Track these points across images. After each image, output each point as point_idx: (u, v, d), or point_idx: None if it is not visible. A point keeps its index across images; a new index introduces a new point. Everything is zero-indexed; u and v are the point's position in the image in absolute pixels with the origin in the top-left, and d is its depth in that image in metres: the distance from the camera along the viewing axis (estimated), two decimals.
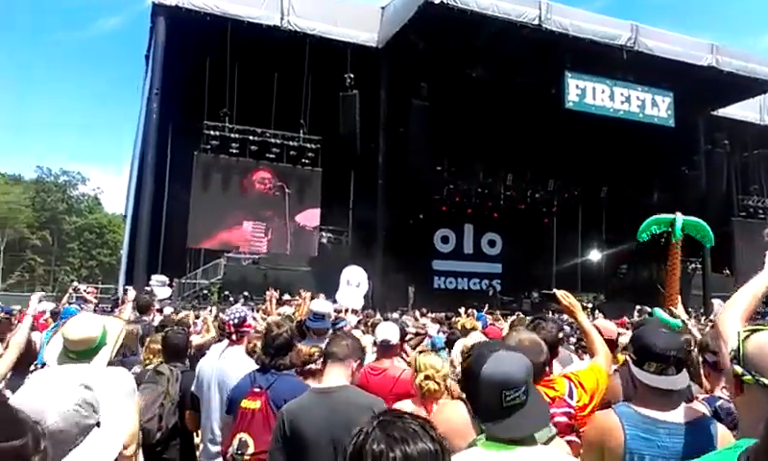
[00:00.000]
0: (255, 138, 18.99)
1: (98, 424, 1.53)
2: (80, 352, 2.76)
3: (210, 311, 7.05)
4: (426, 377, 3.12)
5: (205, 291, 19.90)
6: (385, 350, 4.03)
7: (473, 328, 5.87)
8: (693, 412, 2.27)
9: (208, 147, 18.53)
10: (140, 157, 18.78)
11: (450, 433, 2.30)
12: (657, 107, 19.97)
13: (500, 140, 21.68)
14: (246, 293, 16.96)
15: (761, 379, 1.48)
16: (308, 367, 3.65)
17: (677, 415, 2.19)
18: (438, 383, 3.11)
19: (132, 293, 6.61)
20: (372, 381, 3.59)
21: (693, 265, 23.31)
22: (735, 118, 23.48)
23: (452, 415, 2.13)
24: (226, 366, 3.84)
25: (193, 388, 3.98)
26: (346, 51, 18.36)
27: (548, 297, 3.38)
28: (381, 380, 3.66)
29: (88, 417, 1.50)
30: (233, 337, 4.01)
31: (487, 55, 18.47)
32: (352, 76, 18.23)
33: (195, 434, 4.24)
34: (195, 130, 18.46)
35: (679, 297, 3.78)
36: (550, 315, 8.65)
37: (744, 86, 21.10)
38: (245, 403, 3.15)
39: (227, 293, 18.34)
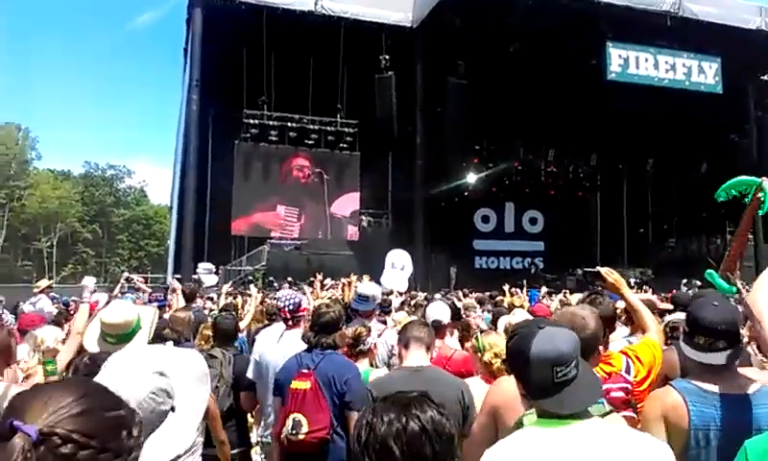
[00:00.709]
0: (294, 125, 19.22)
1: (173, 409, 1.59)
2: (117, 336, 2.87)
3: (255, 294, 7.16)
4: (495, 355, 3.15)
5: (250, 277, 20.26)
6: (436, 329, 4.03)
7: (521, 306, 5.81)
8: (753, 383, 2.19)
9: (248, 135, 18.85)
10: (183, 148, 19.19)
11: (504, 406, 2.30)
12: (704, 73, 19.24)
13: (540, 116, 21.25)
14: (290, 278, 17.20)
15: None
16: (359, 348, 3.71)
17: (737, 386, 2.14)
18: (505, 361, 3.15)
19: (177, 284, 6.82)
20: None
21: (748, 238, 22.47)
22: None
23: (509, 388, 2.15)
24: (288, 350, 3.88)
25: (251, 374, 4.08)
26: (380, 32, 18.29)
27: (593, 275, 3.31)
28: (433, 360, 3.67)
29: (163, 403, 1.57)
30: (290, 322, 4.10)
31: (524, 29, 18.06)
32: (387, 57, 18.16)
33: (250, 415, 4.35)
34: (235, 119, 18.80)
35: (738, 264, 3.57)
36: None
37: None
38: (295, 384, 3.21)
39: (271, 278, 18.64)
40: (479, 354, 3.23)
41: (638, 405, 2.45)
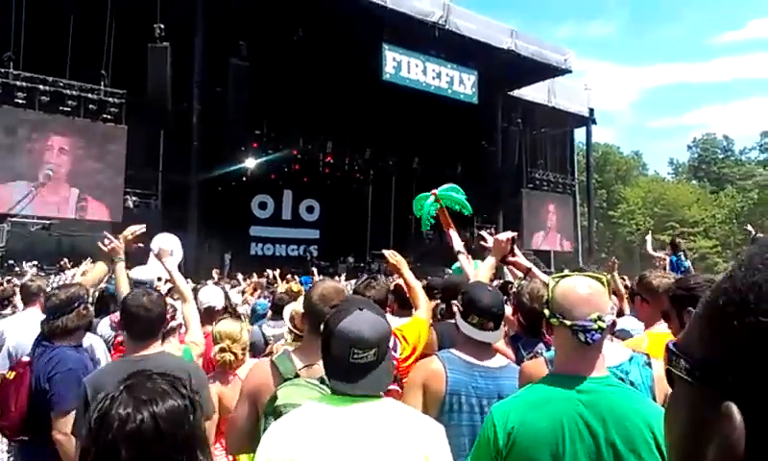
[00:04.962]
0: (47, 88, 16.69)
1: None
2: None
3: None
4: (222, 350, 3.11)
5: None
6: (210, 314, 3.89)
7: (300, 293, 5.89)
8: (503, 359, 2.54)
9: None
10: None
11: (259, 389, 2.25)
12: (463, 84, 21.58)
13: (321, 106, 21.66)
14: (35, 262, 15.10)
15: (563, 320, 1.71)
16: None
17: (491, 361, 2.46)
18: (235, 353, 3.13)
19: None
20: None
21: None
22: (528, 99, 26.30)
23: (257, 373, 2.24)
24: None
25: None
26: None
27: (379, 256, 3.55)
28: (205, 345, 3.52)
29: None
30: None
31: (307, 17, 18.27)
32: (162, 26, 16.82)
33: None
34: None
35: (462, 254, 4.00)
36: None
37: (537, 70, 23.74)
38: (7, 373, 3.07)
39: (11, 262, 16.13)
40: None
41: (403, 380, 2.66)
